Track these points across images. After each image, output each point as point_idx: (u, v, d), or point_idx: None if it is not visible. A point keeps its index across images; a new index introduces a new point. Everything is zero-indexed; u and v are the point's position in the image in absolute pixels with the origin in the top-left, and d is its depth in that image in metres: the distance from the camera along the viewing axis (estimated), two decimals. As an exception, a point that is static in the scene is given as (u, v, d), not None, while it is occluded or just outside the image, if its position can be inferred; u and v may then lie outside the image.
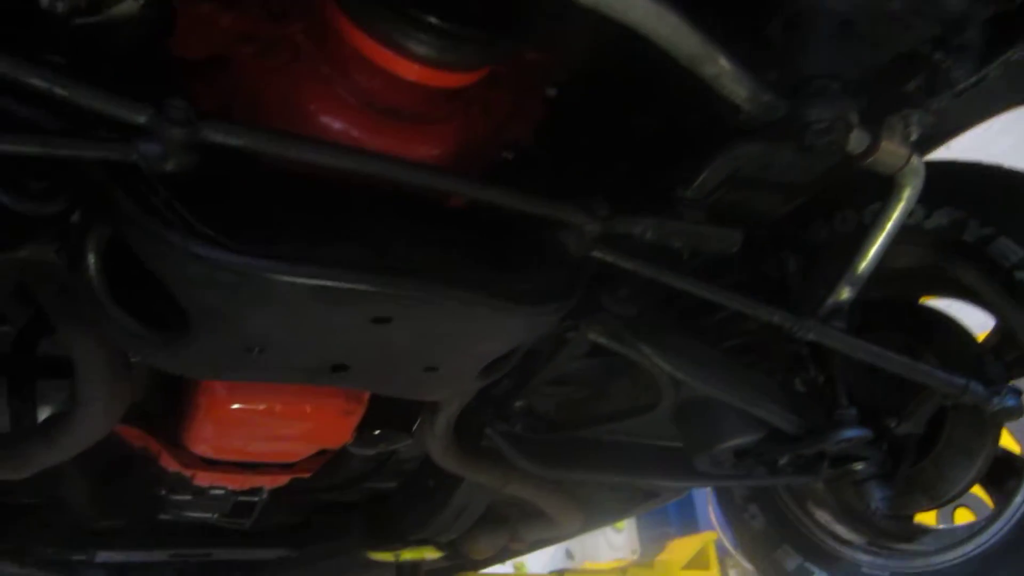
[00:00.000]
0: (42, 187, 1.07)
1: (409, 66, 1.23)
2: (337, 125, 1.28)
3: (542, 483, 2.29)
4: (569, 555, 7.20)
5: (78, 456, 2.01)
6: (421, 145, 1.36)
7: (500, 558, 3.43)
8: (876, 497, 1.85)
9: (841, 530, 2.12)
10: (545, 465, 1.95)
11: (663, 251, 1.45)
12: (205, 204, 1.12)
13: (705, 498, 6.51)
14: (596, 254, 1.40)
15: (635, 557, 6.74)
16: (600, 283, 1.53)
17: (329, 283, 1.13)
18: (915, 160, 1.39)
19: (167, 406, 1.85)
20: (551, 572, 3.81)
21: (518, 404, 1.91)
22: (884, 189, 1.53)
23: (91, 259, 1.18)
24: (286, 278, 1.11)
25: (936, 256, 1.87)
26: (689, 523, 6.66)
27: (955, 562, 1.82)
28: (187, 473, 1.93)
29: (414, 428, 2.07)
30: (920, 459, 1.88)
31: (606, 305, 1.52)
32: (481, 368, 1.48)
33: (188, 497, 2.16)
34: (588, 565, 6.52)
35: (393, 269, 1.18)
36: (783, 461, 1.80)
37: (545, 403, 2.11)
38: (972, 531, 1.85)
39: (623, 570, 3.75)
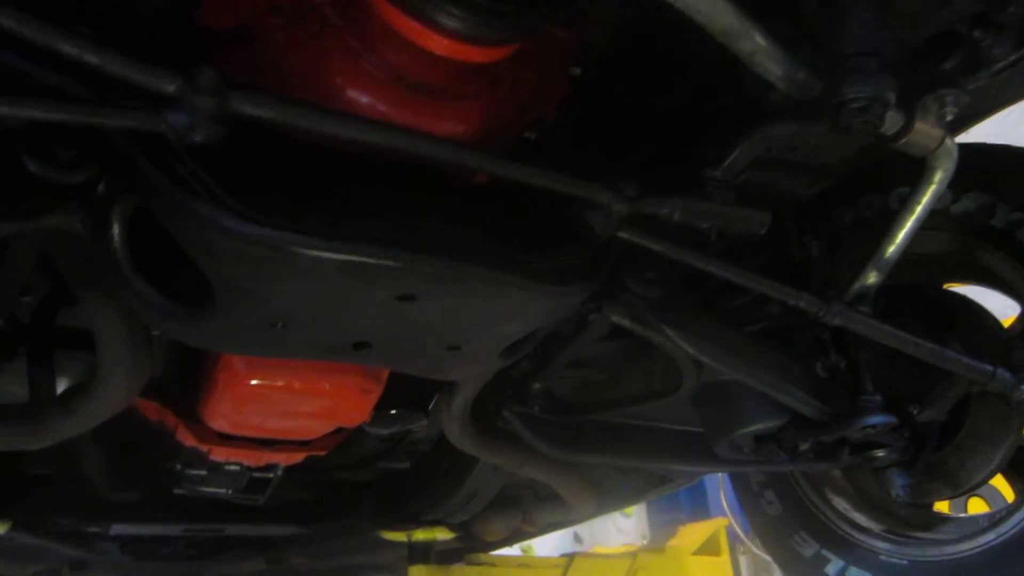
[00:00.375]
0: (69, 156, 1.06)
1: (439, 40, 1.21)
2: (364, 99, 1.26)
3: (557, 466, 2.28)
4: (577, 539, 7.22)
5: (95, 429, 2.02)
6: (448, 121, 1.34)
7: (511, 540, 3.43)
8: (896, 484, 1.83)
9: (859, 517, 2.11)
10: (562, 448, 1.95)
11: (689, 233, 1.44)
12: (232, 176, 1.10)
13: (717, 485, 6.52)
14: (622, 235, 1.38)
15: (644, 542, 6.75)
16: (624, 265, 1.51)
17: (357, 259, 1.12)
18: (948, 142, 1.36)
19: (185, 380, 1.85)
20: (561, 555, 3.80)
21: (536, 386, 1.90)
22: (911, 173, 1.50)
23: (116, 230, 1.17)
24: (314, 252, 1.09)
25: (962, 241, 1.84)
26: (700, 509, 6.66)
27: (976, 551, 1.81)
28: (203, 448, 1.94)
29: (430, 408, 2.07)
30: (942, 447, 1.87)
31: (630, 287, 1.50)
32: (503, 348, 1.47)
33: (203, 472, 2.16)
34: (597, 549, 6.53)
35: (420, 246, 1.17)
36: (804, 447, 1.79)
37: (563, 386, 2.11)
38: (993, 520, 1.84)
39: (633, 554, 3.75)
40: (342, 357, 1.39)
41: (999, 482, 1.99)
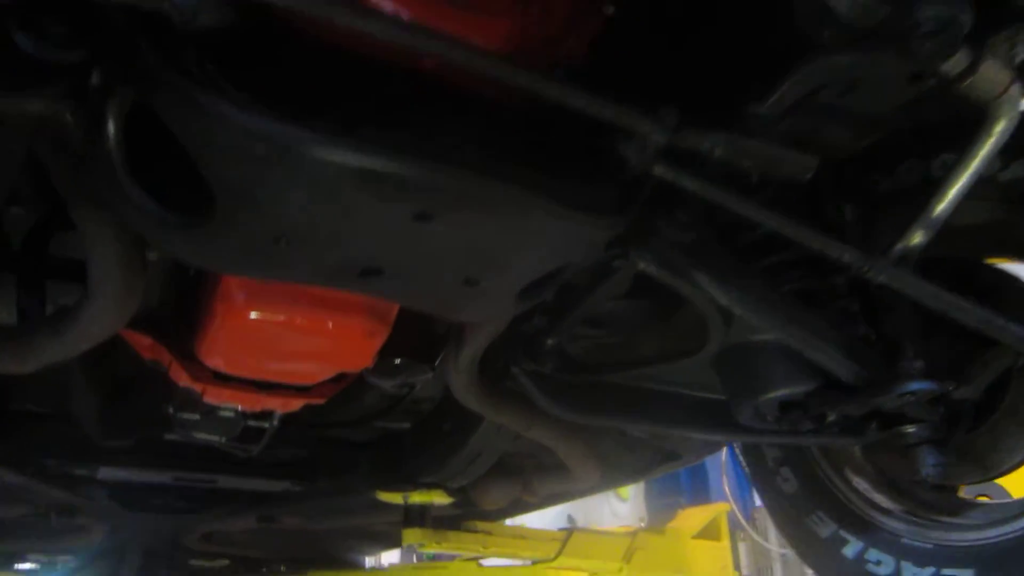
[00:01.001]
0: (62, 31, 0.96)
1: (471, -61, 1.11)
2: (387, 4, 1.17)
3: (566, 430, 2.20)
4: (571, 520, 7.14)
5: (88, 367, 1.94)
6: (476, 37, 1.24)
7: (510, 511, 3.36)
8: (928, 463, 1.72)
9: (880, 498, 2.02)
10: (572, 409, 1.86)
11: (729, 175, 1.34)
12: (240, 70, 1.01)
13: (719, 469, 6.46)
14: (657, 170, 1.28)
15: (642, 525, 6.68)
16: (655, 207, 1.41)
17: (373, 166, 1.02)
18: (1015, 88, 1.25)
19: (181, 317, 1.77)
20: (559, 529, 3.73)
21: (549, 343, 1.80)
22: (957, 139, 1.40)
23: (111, 126, 1.07)
24: (326, 155, 1.00)
25: (1008, 212, 1.74)
26: (700, 494, 6.59)
27: (1007, 537, 1.72)
28: (197, 388, 1.85)
29: (436, 362, 1.98)
30: (975, 427, 1.77)
31: (661, 229, 1.40)
32: (521, 288, 1.38)
33: (196, 416, 2.08)
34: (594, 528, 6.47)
35: (442, 158, 1.07)
36: (831, 418, 1.69)
37: (576, 347, 2.01)
38: (1024, 507, 1.75)
39: (633, 534, 3.68)
40: (348, 284, 1.30)
41: (1003, 480, 1.90)
